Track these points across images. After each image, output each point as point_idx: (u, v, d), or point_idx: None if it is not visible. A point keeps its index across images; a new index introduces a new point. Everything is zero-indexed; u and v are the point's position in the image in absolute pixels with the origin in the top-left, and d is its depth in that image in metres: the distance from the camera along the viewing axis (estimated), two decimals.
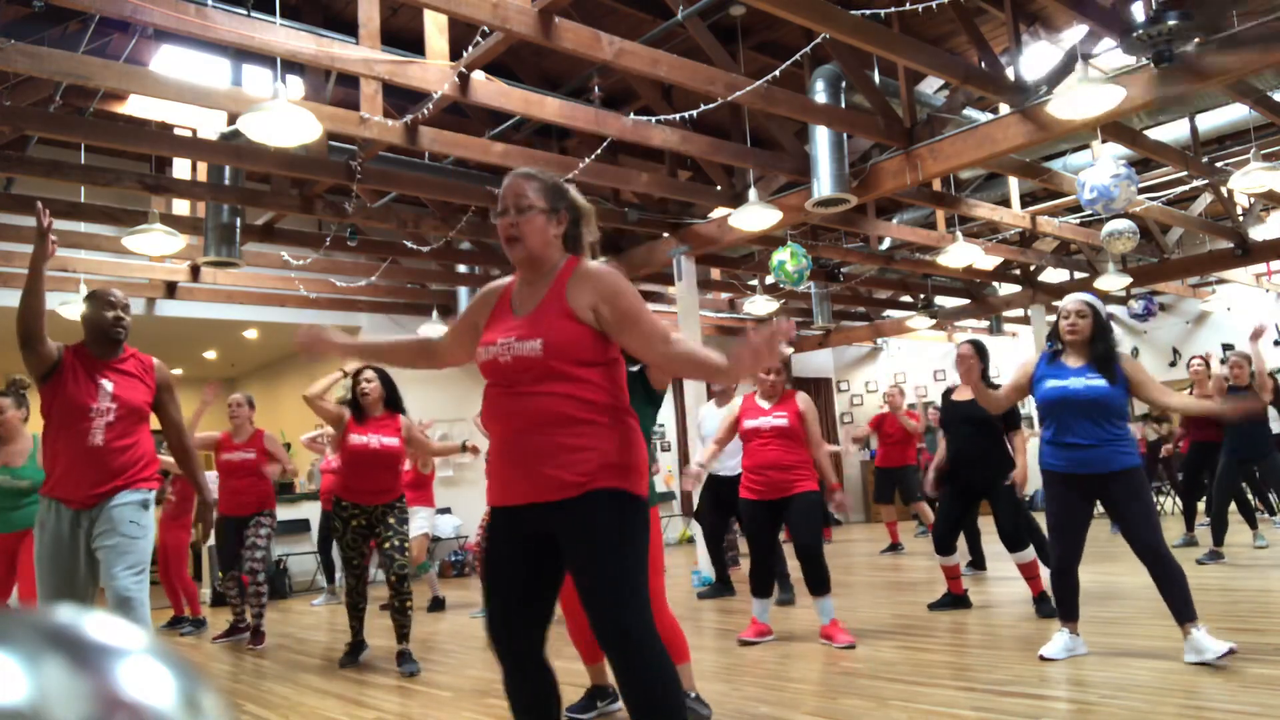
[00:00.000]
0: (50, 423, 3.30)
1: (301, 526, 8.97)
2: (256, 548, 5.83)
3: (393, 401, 4.84)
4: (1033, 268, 11.42)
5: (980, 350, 4.93)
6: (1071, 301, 3.87)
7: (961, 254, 8.60)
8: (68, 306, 7.45)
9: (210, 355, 11.74)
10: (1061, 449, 3.74)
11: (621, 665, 2.01)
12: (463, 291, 10.00)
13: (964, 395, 5.17)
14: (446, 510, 10.37)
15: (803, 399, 4.67)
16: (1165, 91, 5.20)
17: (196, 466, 3.74)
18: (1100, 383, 3.70)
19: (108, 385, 3.32)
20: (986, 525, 6.41)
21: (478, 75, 5.29)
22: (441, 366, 2.45)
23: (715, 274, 10.75)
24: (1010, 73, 6.01)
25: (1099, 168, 6.23)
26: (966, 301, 12.65)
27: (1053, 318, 14.08)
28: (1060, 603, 3.88)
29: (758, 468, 4.59)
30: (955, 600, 5.23)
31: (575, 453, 2.06)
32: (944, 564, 5.21)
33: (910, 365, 14.89)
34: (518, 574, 2.13)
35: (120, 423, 3.31)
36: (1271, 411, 6.72)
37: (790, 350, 2.68)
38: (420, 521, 7.40)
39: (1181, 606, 3.54)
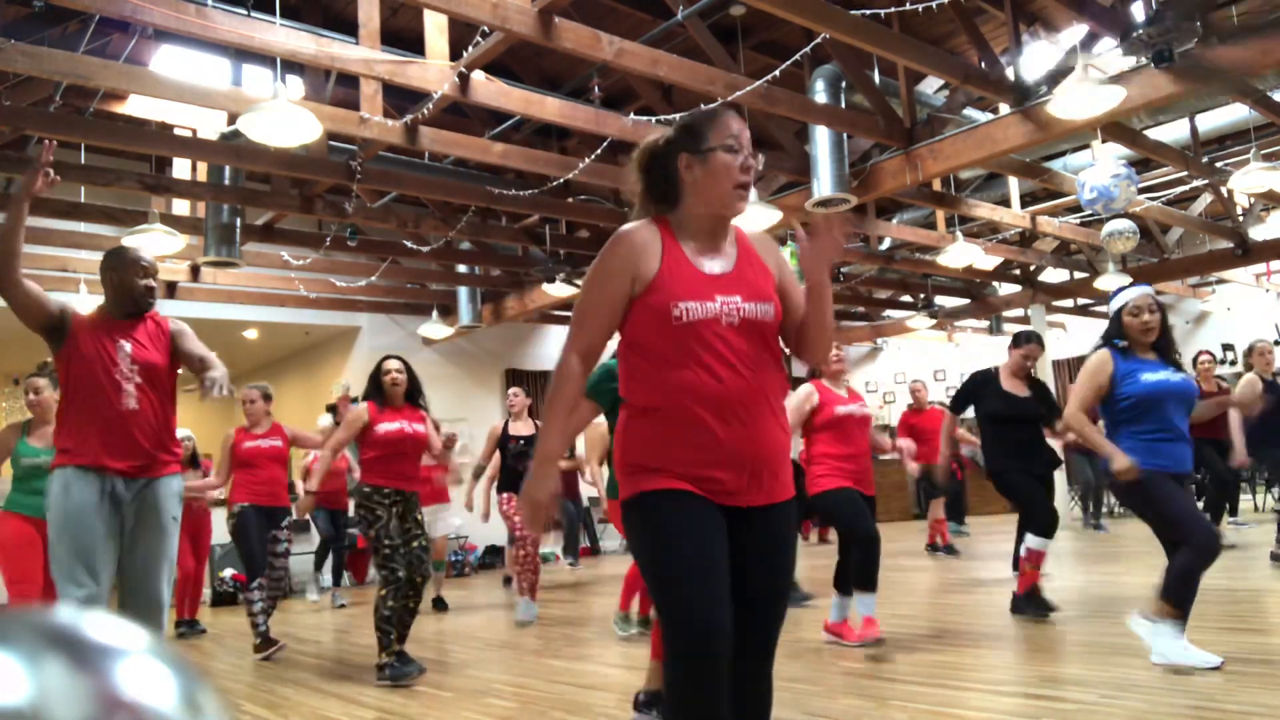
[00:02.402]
0: (71, 391, 3.08)
1: (301, 526, 8.97)
2: (289, 554, 5.71)
3: (413, 395, 4.78)
4: (1033, 268, 11.42)
5: (1041, 344, 5.10)
6: (1141, 296, 3.61)
7: (961, 254, 8.60)
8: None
9: None
10: (1165, 445, 3.43)
11: (763, 676, 1.88)
12: (463, 291, 10.00)
13: (1018, 390, 5.04)
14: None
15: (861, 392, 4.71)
16: (1165, 91, 5.20)
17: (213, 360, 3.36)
18: (1185, 377, 3.55)
19: (126, 346, 3.11)
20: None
21: (478, 75, 5.29)
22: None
23: None
24: (1010, 73, 6.01)
25: (1099, 168, 6.23)
26: (966, 301, 12.65)
27: (1052, 317, 13.84)
28: (1184, 594, 3.45)
29: (857, 456, 4.39)
30: (1039, 599, 4.90)
31: (788, 449, 1.90)
32: (1042, 548, 4.87)
33: (910, 365, 14.89)
34: (725, 567, 1.78)
35: (148, 384, 3.11)
36: None
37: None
38: (446, 519, 7.41)
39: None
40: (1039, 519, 4.90)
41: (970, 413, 5.34)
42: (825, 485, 4.39)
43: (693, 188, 1.88)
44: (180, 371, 3.40)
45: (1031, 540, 4.89)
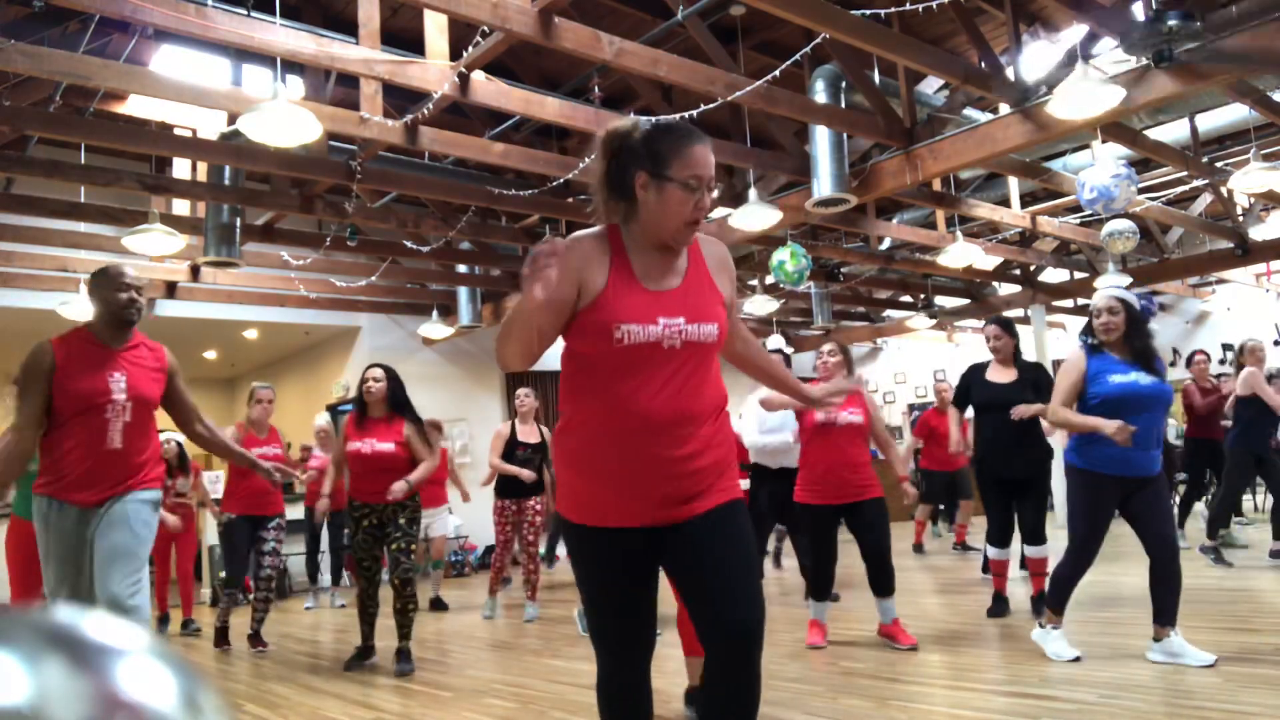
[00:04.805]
0: (55, 424, 3.02)
1: (301, 527, 8.96)
2: (278, 553, 5.81)
3: (398, 404, 4.77)
4: (1033, 268, 11.42)
5: (1009, 328, 5.00)
6: (1102, 298, 3.68)
7: (961, 254, 8.60)
8: (68, 307, 7.45)
9: (210, 355, 11.74)
10: (1123, 449, 3.43)
11: (747, 666, 1.83)
12: (463, 291, 10.00)
13: (1001, 376, 4.94)
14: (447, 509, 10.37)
15: (865, 393, 4.54)
16: (1165, 91, 5.20)
17: (224, 441, 3.56)
18: (1157, 380, 3.56)
19: (121, 379, 3.06)
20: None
21: (478, 75, 5.29)
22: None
23: None
24: (1010, 73, 6.01)
25: (1099, 168, 6.23)
26: (966, 301, 12.65)
27: (1052, 317, 13.85)
28: (1063, 600, 3.83)
29: (838, 467, 4.31)
30: (1001, 601, 4.98)
31: (730, 459, 1.90)
32: (998, 558, 4.95)
33: (910, 365, 14.89)
34: (644, 603, 1.91)
35: (136, 420, 3.08)
36: None
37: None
38: (444, 520, 7.43)
39: (1172, 608, 3.54)
40: (988, 527, 4.95)
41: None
42: (800, 498, 4.46)
43: (644, 207, 1.81)
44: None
45: (990, 550, 4.99)
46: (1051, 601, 3.84)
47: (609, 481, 1.81)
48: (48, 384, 3.01)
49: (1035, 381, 4.93)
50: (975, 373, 5.12)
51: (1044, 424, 4.72)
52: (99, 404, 3.01)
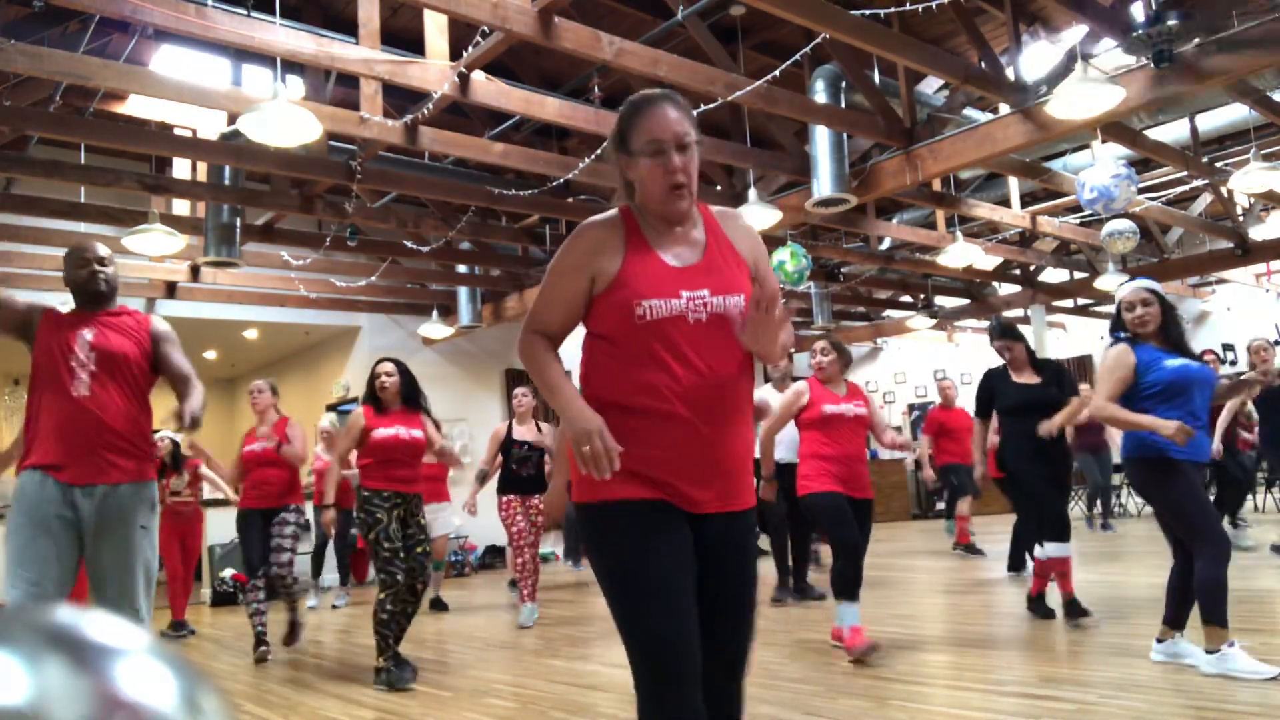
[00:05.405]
0: (31, 386, 2.99)
1: (303, 526, 8.96)
2: (281, 550, 5.41)
3: (411, 398, 4.74)
4: (1033, 268, 11.42)
5: (1015, 335, 4.94)
6: (1132, 291, 3.60)
7: (961, 254, 8.60)
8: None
9: (210, 355, 11.74)
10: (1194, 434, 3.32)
11: (732, 694, 1.82)
12: (463, 291, 10.00)
13: (1028, 379, 4.89)
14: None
15: (863, 389, 4.49)
16: (1165, 91, 5.20)
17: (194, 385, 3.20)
18: (1203, 364, 3.52)
19: (87, 334, 3.02)
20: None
21: (478, 75, 5.29)
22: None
23: None
24: (1010, 73, 6.01)
25: (1099, 168, 6.23)
26: (966, 301, 12.66)
27: (1052, 317, 13.76)
28: (1222, 607, 3.32)
29: (845, 459, 4.21)
30: (1072, 603, 4.71)
31: (753, 443, 1.85)
32: (1059, 555, 4.64)
33: (910, 365, 14.90)
34: (691, 591, 1.72)
35: (104, 375, 2.96)
36: None
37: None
38: (446, 518, 7.39)
39: (1187, 613, 3.52)
40: (1054, 525, 4.65)
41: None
42: (811, 487, 4.24)
43: (635, 189, 1.82)
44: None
45: (1051, 548, 4.63)
46: (1211, 615, 3.31)
47: (637, 465, 1.70)
48: (29, 318, 3.07)
49: (1059, 380, 4.88)
50: (998, 379, 5.00)
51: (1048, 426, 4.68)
52: (63, 355, 2.96)
